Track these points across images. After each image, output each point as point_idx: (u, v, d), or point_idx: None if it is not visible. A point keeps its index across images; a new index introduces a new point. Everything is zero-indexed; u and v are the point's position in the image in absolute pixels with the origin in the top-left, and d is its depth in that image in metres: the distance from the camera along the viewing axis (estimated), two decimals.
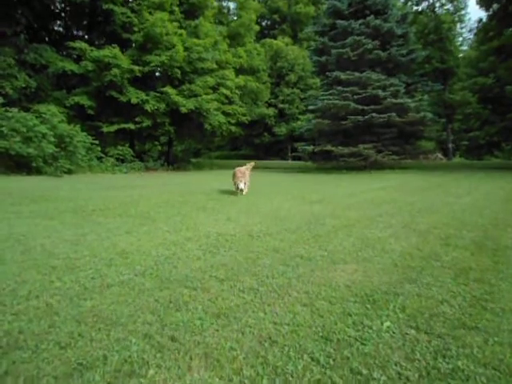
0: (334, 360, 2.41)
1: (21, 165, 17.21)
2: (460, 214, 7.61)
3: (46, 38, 26.19)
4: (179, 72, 23.57)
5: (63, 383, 2.13)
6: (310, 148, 24.23)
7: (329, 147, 22.51)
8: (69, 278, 3.74)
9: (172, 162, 28.42)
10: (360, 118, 21.39)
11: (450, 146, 47.32)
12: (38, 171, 17.37)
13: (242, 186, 9.97)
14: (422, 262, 4.39)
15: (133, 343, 2.56)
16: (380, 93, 21.93)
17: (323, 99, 22.84)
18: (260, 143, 46.39)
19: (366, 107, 21.74)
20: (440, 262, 4.41)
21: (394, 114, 21.37)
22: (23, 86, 20.58)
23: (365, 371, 2.29)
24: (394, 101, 21.80)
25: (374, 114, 21.26)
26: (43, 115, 19.05)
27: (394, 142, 22.88)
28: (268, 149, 47.27)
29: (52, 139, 18.06)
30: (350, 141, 22.57)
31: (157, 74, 25.55)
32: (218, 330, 2.77)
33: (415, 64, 26.64)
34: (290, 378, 2.22)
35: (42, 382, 2.14)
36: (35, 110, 19.58)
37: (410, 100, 22.92)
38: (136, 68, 22.19)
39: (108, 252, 4.64)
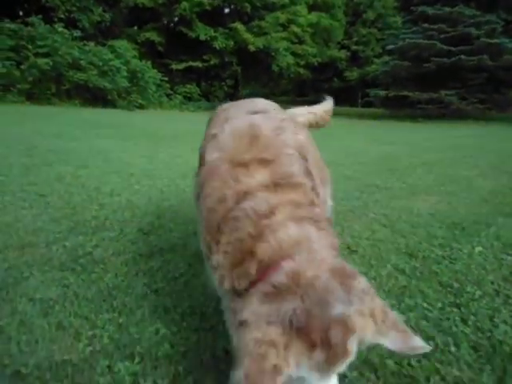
0: (420, 273, 2.24)
1: (97, 97, 18.07)
2: None
3: None
4: (249, 6, 22.60)
5: (146, 260, 2.21)
6: (384, 93, 22.52)
7: (405, 92, 20.72)
8: (147, 182, 3.87)
9: None
10: (446, 60, 19.15)
11: None
12: (113, 104, 18.16)
13: None
14: None
15: None
16: (473, 31, 19.30)
17: (404, 38, 20.69)
18: (328, 88, 44.01)
19: (453, 48, 19.35)
20: None
21: (485, 57, 18.85)
22: (98, 20, 21.04)
23: (456, 285, 2.10)
24: (488, 41, 19.11)
25: (462, 56, 18.88)
26: (117, 50, 19.56)
27: (481, 88, 20.34)
28: (337, 95, 44.70)
29: (125, 74, 18.64)
30: (430, 86, 20.50)
31: (226, 10, 24.79)
32: None
33: None
34: (373, 282, 2.10)
35: (128, 256, 2.24)
36: (110, 45, 20.13)
37: (507, 40, 19.97)
38: (205, 0, 21.59)
39: (181, 167, 4.73)
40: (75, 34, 18.11)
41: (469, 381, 1.39)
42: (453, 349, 1.57)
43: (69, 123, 9.63)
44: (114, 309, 1.72)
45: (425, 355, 1.52)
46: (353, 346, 0.88)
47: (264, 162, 1.17)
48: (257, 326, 0.86)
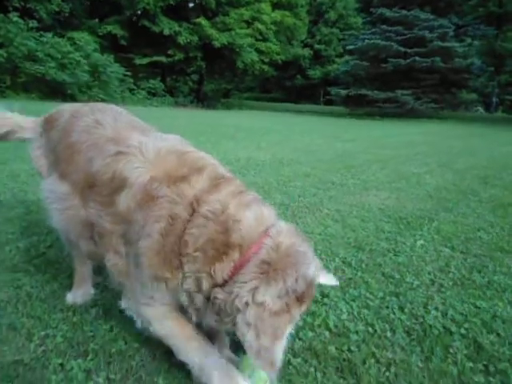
0: (366, 265, 2.41)
1: (56, 91, 17.36)
2: (500, 159, 7.22)
3: None
4: (214, 2, 22.45)
5: None
6: (344, 92, 23.19)
7: (364, 91, 21.45)
8: None
9: (202, 99, 28.04)
10: (402, 61, 20.04)
11: (494, 99, 44.19)
12: (73, 98, 17.50)
13: None
14: (459, 196, 4.23)
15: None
16: (427, 34, 20.30)
17: (364, 39, 21.40)
18: (292, 86, 44.70)
19: (409, 50, 20.28)
20: (478, 196, 4.24)
21: (438, 59, 19.88)
22: (56, 9, 20.14)
23: (397, 276, 2.28)
24: (440, 44, 20.18)
25: (417, 58, 19.85)
26: (77, 42, 18.85)
27: (434, 89, 21.47)
28: (300, 92, 45.60)
29: (86, 68, 18.02)
30: (387, 86, 21.35)
31: (190, 4, 24.47)
32: None
33: (468, 5, 24.24)
34: None
35: None
36: (69, 37, 19.35)
37: (458, 44, 21.16)
38: None
39: None
40: (31, 25, 17.26)
41: (400, 361, 1.54)
42: (389, 334, 1.73)
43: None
44: (68, 308, 1.74)
45: (363, 340, 1.67)
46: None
47: (199, 170, 1.32)
48: (274, 303, 1.11)
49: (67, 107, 1.81)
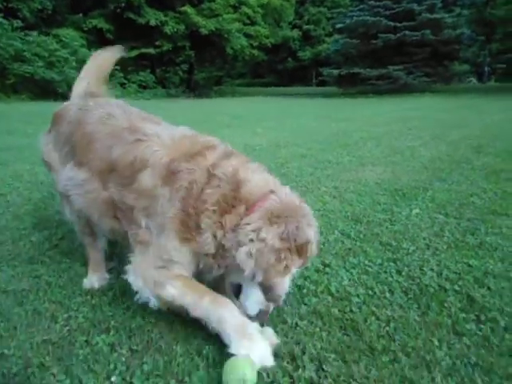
0: (364, 235, 2.52)
1: (46, 90, 17.26)
2: (493, 128, 7.31)
3: None
4: None
5: (111, 247, 2.31)
6: (336, 72, 23.05)
7: (356, 70, 21.34)
8: None
9: (194, 89, 27.84)
10: (392, 36, 19.89)
11: (486, 69, 43.85)
12: (64, 97, 17.37)
13: None
14: (452, 165, 4.34)
15: None
16: (415, 7, 20.10)
17: (352, 16, 21.19)
18: (283, 69, 44.37)
19: (398, 24, 20.11)
20: (471, 165, 4.34)
21: (428, 32, 19.74)
22: (39, 8, 19.84)
23: (394, 243, 2.40)
24: (429, 16, 20.00)
25: (406, 32, 19.70)
26: (63, 39, 18.65)
27: (426, 63, 21.34)
28: (292, 75, 45.24)
29: (74, 64, 17.82)
30: (378, 63, 21.22)
31: None
32: None
33: None
34: (322, 247, 2.35)
35: None
36: (54, 34, 19.12)
37: (447, 15, 20.96)
38: None
39: None
40: (16, 25, 17.05)
41: (398, 317, 1.67)
42: (387, 295, 1.85)
43: (18, 119, 9.24)
44: (86, 293, 1.86)
45: (364, 302, 1.79)
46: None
47: (212, 147, 1.55)
48: (273, 239, 1.30)
49: (70, 104, 1.99)
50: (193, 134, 1.65)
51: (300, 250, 1.36)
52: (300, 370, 1.37)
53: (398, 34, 19.96)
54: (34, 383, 1.32)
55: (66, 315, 1.68)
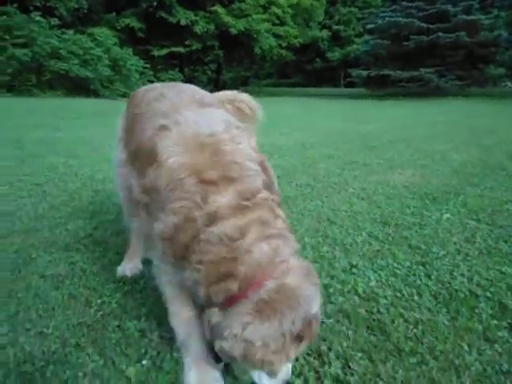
0: (392, 238, 2.49)
1: (79, 87, 17.82)
2: None
3: None
4: None
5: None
6: (365, 73, 22.71)
7: (386, 71, 20.95)
8: None
9: (221, 89, 28.11)
10: (424, 37, 19.40)
11: None
12: (96, 94, 17.95)
13: None
14: (485, 171, 4.21)
15: None
16: (450, 8, 19.54)
17: (384, 17, 20.82)
18: (311, 70, 44.06)
19: (431, 25, 19.60)
20: (505, 171, 4.20)
21: (463, 33, 19.13)
22: (76, 7, 20.53)
23: (424, 247, 2.36)
24: (465, 17, 19.39)
25: (440, 34, 19.17)
26: (97, 38, 19.21)
27: (459, 65, 20.71)
28: (319, 76, 44.84)
29: (107, 62, 18.37)
30: (409, 65, 20.77)
31: None
32: None
33: None
34: (349, 247, 2.34)
35: (126, 236, 2.43)
36: (89, 33, 19.73)
37: (483, 17, 20.26)
38: None
39: None
40: (53, 23, 17.70)
41: (427, 320, 1.64)
42: (416, 298, 1.83)
43: (52, 114, 9.61)
44: (119, 280, 1.92)
45: (391, 303, 1.78)
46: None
47: (230, 180, 1.20)
48: (265, 346, 1.08)
49: (145, 87, 1.89)
50: (220, 142, 1.27)
51: (299, 336, 1.13)
52: (326, 366, 1.38)
53: (431, 36, 19.45)
54: (70, 361, 1.39)
55: (99, 301, 1.75)
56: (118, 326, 1.59)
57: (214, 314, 1.16)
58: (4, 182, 3.48)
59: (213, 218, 1.14)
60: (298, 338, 1.11)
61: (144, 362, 1.39)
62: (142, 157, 1.40)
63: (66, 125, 7.69)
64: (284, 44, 26.18)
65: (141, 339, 1.51)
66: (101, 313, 1.67)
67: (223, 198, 1.16)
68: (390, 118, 10.15)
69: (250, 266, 1.13)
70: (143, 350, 1.45)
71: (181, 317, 1.37)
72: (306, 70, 44.53)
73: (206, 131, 1.30)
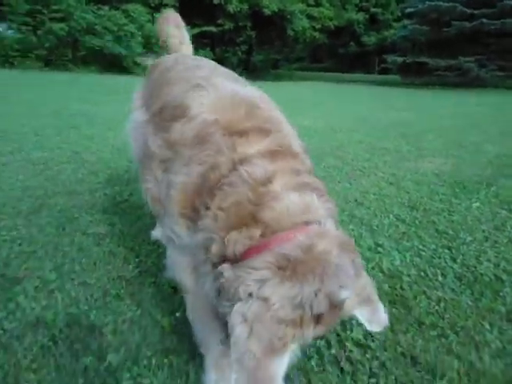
0: (419, 222, 2.51)
1: (113, 64, 18.17)
2: None
3: None
4: None
5: None
6: (401, 60, 21.99)
7: (423, 59, 20.21)
8: None
9: (251, 71, 27.90)
10: (467, 24, 18.51)
11: None
12: (128, 71, 18.24)
13: None
14: None
15: None
16: None
17: (425, 0, 19.95)
18: (344, 54, 42.87)
19: (475, 11, 18.65)
20: None
21: (510, 20, 18.10)
22: None
23: (451, 232, 2.36)
24: None
25: (484, 20, 18.23)
26: (131, 14, 19.39)
27: (502, 55, 19.67)
28: (353, 61, 43.58)
29: (140, 39, 18.58)
30: (448, 52, 19.91)
31: None
32: None
33: None
34: (375, 228, 2.38)
35: None
36: (124, 9, 19.90)
37: None
38: None
39: None
40: None
41: (450, 299, 1.68)
42: (440, 278, 1.86)
43: (89, 89, 9.89)
44: (154, 243, 2.04)
45: (415, 282, 1.82)
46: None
47: (265, 132, 1.12)
48: (282, 308, 0.85)
49: (169, 56, 1.91)
50: (256, 102, 1.24)
51: (319, 318, 0.89)
52: (348, 331, 1.45)
53: (474, 22, 18.54)
54: (111, 309, 1.52)
55: (137, 259, 1.88)
56: (154, 283, 1.71)
57: (226, 270, 0.95)
58: (46, 149, 3.68)
59: (238, 163, 1.04)
60: (317, 318, 0.88)
61: (177, 315, 1.49)
62: (166, 112, 1.31)
63: (101, 100, 7.91)
64: (318, 26, 25.61)
65: (174, 295, 1.62)
66: (138, 270, 1.79)
67: (252, 148, 1.07)
68: (423, 107, 9.88)
69: (277, 214, 0.96)
70: (177, 304, 1.55)
71: (201, 312, 1.25)
72: (339, 54, 43.38)
73: (243, 94, 1.28)
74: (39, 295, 1.57)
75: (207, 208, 1.04)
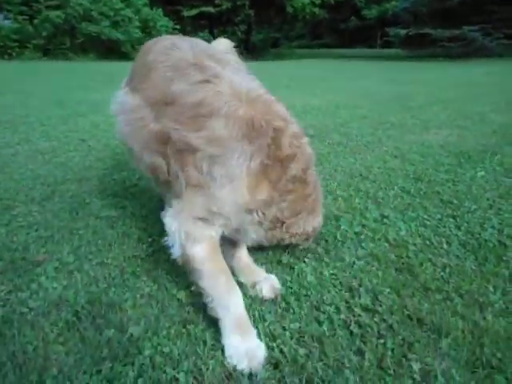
0: (424, 193, 2.54)
1: (111, 50, 18.01)
2: None
3: None
4: None
5: None
6: (404, 32, 21.50)
7: (426, 30, 19.75)
8: None
9: (251, 50, 27.49)
10: None
11: None
12: (127, 57, 18.04)
13: None
14: None
15: None
16: None
17: None
18: (345, 29, 42.04)
19: None
20: None
21: None
22: None
23: (456, 201, 2.39)
24: None
25: None
26: None
27: (508, 23, 19.11)
28: (354, 35, 42.71)
29: (137, 24, 18.35)
30: (451, 22, 19.40)
31: None
32: None
33: None
34: (381, 200, 2.42)
35: None
36: None
37: None
38: None
39: None
40: None
41: (455, 265, 1.73)
42: (445, 246, 1.91)
43: (89, 77, 9.87)
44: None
45: (420, 250, 1.87)
46: None
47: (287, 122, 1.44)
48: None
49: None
50: (267, 98, 1.45)
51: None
52: (356, 298, 1.51)
53: None
54: (128, 286, 1.59)
55: (150, 239, 1.94)
56: (168, 260, 1.77)
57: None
58: (53, 138, 3.73)
59: (287, 162, 1.36)
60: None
61: (192, 289, 1.56)
62: (183, 107, 1.41)
63: (103, 87, 7.90)
64: (317, 1, 25.04)
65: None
66: (152, 248, 1.86)
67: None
68: (428, 79, 9.75)
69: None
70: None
71: (219, 276, 1.36)
72: (340, 29, 42.51)
73: (253, 89, 1.45)
74: (59, 276, 1.65)
75: (278, 179, 1.36)
